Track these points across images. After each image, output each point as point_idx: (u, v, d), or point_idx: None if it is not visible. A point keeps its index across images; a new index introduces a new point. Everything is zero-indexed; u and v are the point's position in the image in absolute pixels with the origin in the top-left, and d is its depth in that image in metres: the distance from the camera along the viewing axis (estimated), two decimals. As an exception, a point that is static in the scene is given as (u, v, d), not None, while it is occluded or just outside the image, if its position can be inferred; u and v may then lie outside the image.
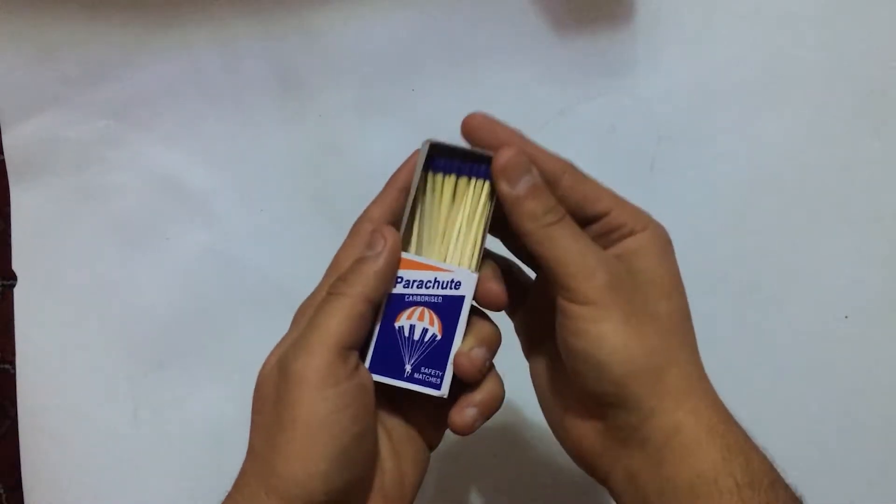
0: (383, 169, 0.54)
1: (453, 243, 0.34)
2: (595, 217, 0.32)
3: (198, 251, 0.54)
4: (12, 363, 0.53)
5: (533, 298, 0.37)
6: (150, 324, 0.53)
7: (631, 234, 0.32)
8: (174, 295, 0.53)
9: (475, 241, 0.34)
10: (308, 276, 0.53)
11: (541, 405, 0.36)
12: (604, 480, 0.33)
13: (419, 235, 0.35)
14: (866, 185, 0.52)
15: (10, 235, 0.54)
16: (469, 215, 0.34)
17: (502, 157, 0.31)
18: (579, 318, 0.30)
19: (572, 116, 0.53)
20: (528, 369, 0.38)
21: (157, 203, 0.54)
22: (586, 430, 0.32)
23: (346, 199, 0.54)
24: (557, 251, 0.30)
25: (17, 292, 0.53)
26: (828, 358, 0.51)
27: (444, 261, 0.34)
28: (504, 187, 0.31)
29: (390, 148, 0.54)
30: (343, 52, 0.54)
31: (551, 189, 0.32)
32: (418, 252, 0.34)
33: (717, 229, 0.52)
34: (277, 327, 0.53)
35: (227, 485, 0.53)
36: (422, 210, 0.35)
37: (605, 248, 0.32)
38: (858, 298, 0.51)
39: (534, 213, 0.31)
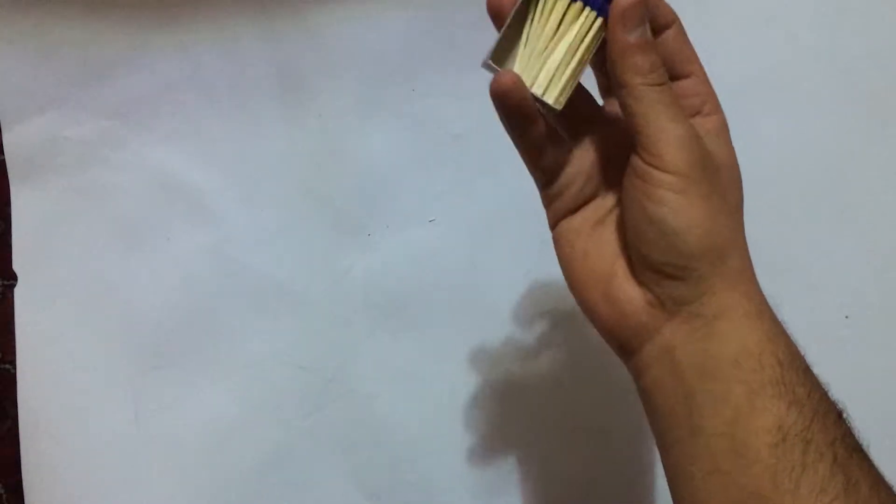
0: (384, 169, 0.54)
1: (545, 70, 0.33)
2: (678, 76, 0.33)
3: (198, 251, 0.54)
4: (13, 363, 0.53)
5: (575, 163, 0.35)
6: (150, 324, 0.53)
7: (701, 112, 0.33)
8: (175, 295, 0.53)
9: (570, 76, 0.32)
10: (308, 276, 0.53)
11: (571, 275, 0.35)
12: (632, 353, 0.33)
13: (515, 50, 0.33)
14: (866, 185, 0.52)
15: (10, 235, 0.54)
16: (572, 45, 0.32)
17: (625, 0, 0.30)
18: (664, 186, 0.30)
19: (572, 116, 0.53)
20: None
21: (157, 203, 0.54)
22: (631, 298, 0.32)
23: (346, 199, 0.54)
24: (654, 113, 0.30)
25: (18, 292, 0.54)
26: (828, 358, 0.51)
27: (532, 86, 0.32)
28: (618, 32, 0.30)
29: (391, 148, 0.54)
30: (343, 51, 0.54)
31: (656, 36, 0.32)
32: (510, 66, 0.33)
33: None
34: (278, 327, 0.53)
35: (226, 484, 0.53)
36: (526, 25, 0.33)
37: None
38: (859, 298, 0.51)
39: (641, 67, 0.30)
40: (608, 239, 0.34)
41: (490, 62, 0.33)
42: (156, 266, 0.54)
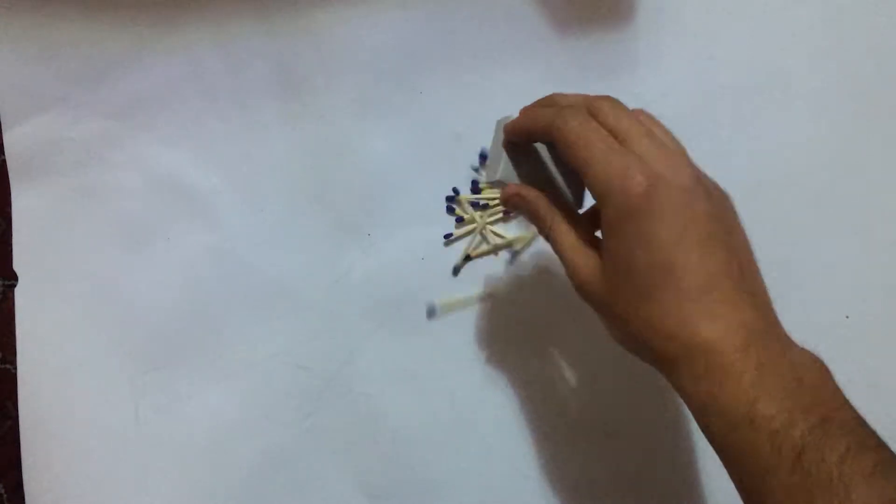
0: (384, 169, 0.54)
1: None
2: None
3: (198, 251, 0.54)
4: (13, 363, 0.53)
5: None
6: (151, 324, 0.53)
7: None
8: (175, 295, 0.53)
9: None
10: (308, 276, 0.54)
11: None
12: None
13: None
14: (866, 185, 0.52)
15: (10, 235, 0.54)
16: None
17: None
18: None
19: (573, 116, 0.53)
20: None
21: (157, 203, 0.54)
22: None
23: (346, 199, 0.54)
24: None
25: (18, 292, 0.54)
26: (828, 358, 0.51)
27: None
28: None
29: (391, 148, 0.54)
30: (344, 52, 0.54)
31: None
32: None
33: (718, 229, 0.52)
34: (278, 327, 0.53)
35: (226, 485, 0.53)
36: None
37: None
38: (859, 298, 0.51)
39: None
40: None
41: (496, 180, 0.42)
42: (156, 266, 0.54)
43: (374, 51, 0.54)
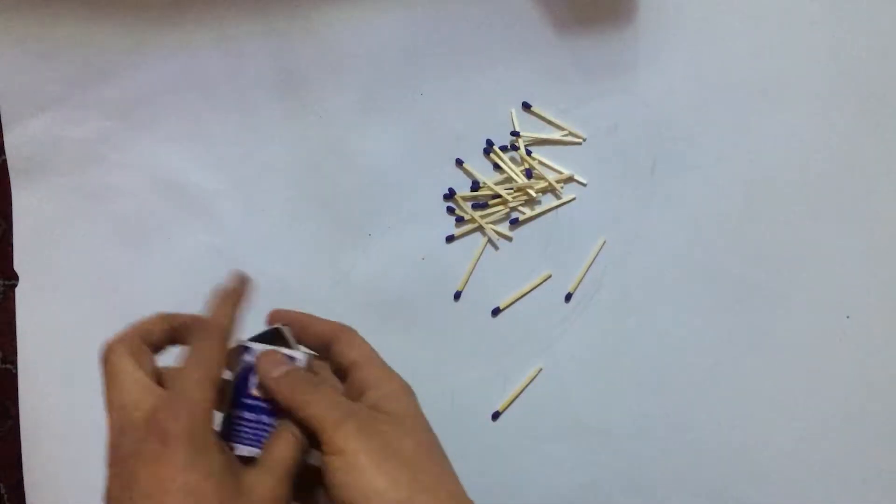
0: (384, 169, 0.54)
1: None
2: (348, 367, 0.39)
3: (199, 251, 0.54)
4: (14, 363, 0.53)
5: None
6: (150, 323, 0.53)
7: (376, 386, 0.38)
8: (176, 295, 0.53)
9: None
10: (309, 276, 0.54)
11: None
12: None
13: None
14: (866, 185, 0.52)
15: (11, 235, 0.54)
16: None
17: (261, 360, 0.38)
18: (337, 470, 0.34)
19: (574, 116, 0.53)
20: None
21: (158, 203, 0.54)
22: None
23: (347, 199, 0.54)
24: (311, 409, 0.35)
25: (19, 292, 0.54)
26: (829, 358, 0.51)
27: None
28: (263, 374, 0.37)
29: (391, 148, 0.54)
30: (344, 52, 0.54)
31: (328, 346, 0.40)
32: None
33: (718, 228, 0.52)
34: (278, 327, 0.53)
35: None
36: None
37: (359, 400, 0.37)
38: (860, 298, 0.51)
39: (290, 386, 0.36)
40: None
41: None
42: (156, 266, 0.54)
43: (374, 51, 0.54)
